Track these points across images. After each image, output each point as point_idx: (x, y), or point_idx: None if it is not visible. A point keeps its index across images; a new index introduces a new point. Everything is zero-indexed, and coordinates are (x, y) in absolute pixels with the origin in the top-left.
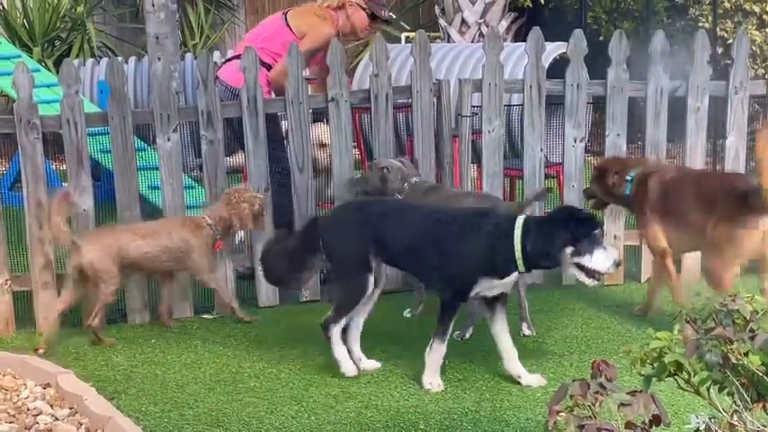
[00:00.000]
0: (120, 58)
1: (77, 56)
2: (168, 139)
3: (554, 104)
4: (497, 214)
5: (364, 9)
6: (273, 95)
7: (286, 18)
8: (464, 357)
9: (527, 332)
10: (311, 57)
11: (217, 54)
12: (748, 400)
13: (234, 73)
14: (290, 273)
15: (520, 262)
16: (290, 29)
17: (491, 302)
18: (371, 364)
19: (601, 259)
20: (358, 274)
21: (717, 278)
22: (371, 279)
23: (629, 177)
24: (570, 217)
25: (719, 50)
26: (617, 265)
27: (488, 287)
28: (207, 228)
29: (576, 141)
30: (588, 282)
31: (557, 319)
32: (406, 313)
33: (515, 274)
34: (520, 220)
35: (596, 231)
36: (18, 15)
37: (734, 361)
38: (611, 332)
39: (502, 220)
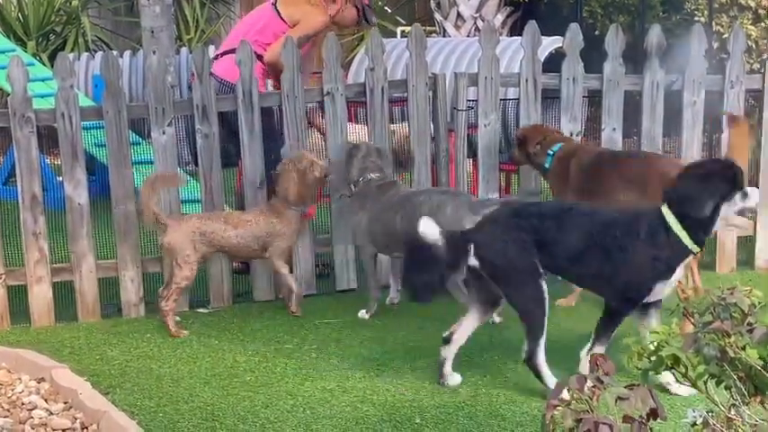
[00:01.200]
0: (114, 52)
1: (72, 50)
2: (163, 133)
3: (550, 98)
4: (644, 212)
5: (357, 9)
6: (270, 86)
7: (276, 7)
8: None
9: (497, 319)
10: (303, 44)
11: (212, 48)
12: (746, 393)
13: (229, 67)
14: (426, 286)
15: (690, 244)
16: (281, 18)
17: (646, 305)
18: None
19: (753, 196)
20: (534, 284)
21: None
22: (545, 284)
23: (550, 152)
24: (717, 172)
25: (715, 45)
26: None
27: (660, 291)
28: (289, 210)
29: (572, 135)
30: (743, 224)
31: (553, 314)
32: (362, 314)
33: (686, 260)
34: (664, 209)
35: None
36: (13, 9)
37: (731, 355)
38: None
39: (651, 216)
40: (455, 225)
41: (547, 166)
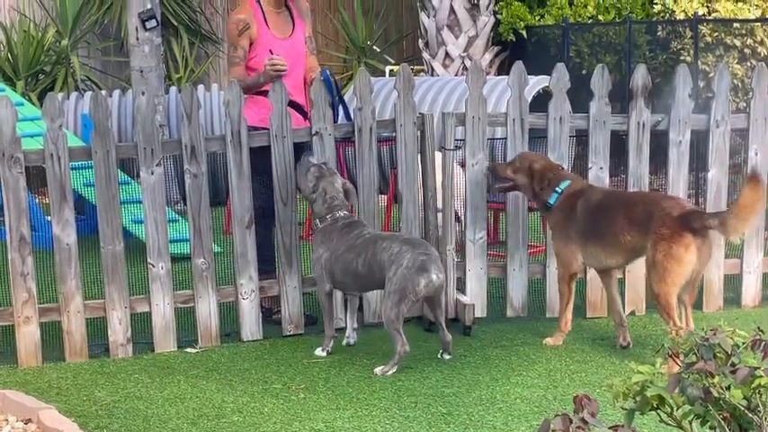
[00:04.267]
0: (104, 92)
1: (61, 89)
2: (152, 173)
3: (537, 138)
4: None
5: None
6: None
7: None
8: (448, 390)
9: (446, 356)
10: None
11: (201, 88)
12: None
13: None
14: None
15: None
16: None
17: None
18: None
19: None
20: None
21: (663, 300)
22: None
23: (558, 189)
24: None
25: (701, 84)
26: None
27: None
28: None
29: None
30: None
31: (541, 352)
32: (318, 352)
33: None
34: None
35: None
36: (2, 49)
37: (716, 395)
38: (596, 365)
39: None
40: (412, 278)
41: (552, 202)
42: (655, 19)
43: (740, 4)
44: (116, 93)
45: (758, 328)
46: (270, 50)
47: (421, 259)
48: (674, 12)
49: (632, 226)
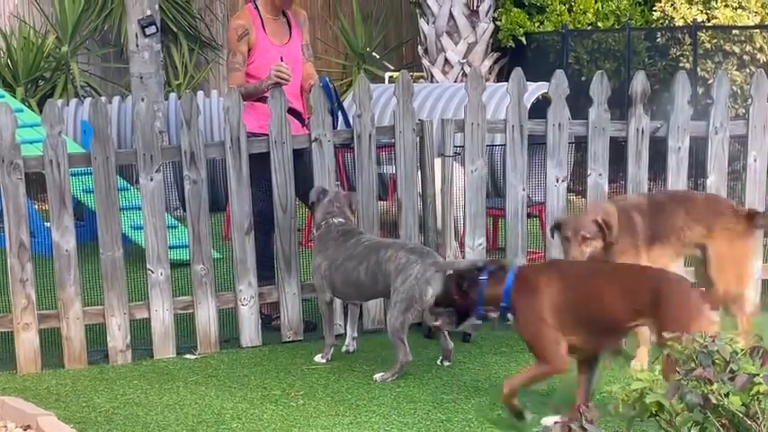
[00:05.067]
0: (103, 98)
1: (61, 96)
2: (151, 179)
3: (536, 144)
4: None
5: None
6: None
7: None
8: (447, 396)
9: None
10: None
11: (200, 94)
12: None
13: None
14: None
15: None
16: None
17: None
18: None
19: None
20: None
21: (738, 293)
22: None
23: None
24: None
25: (700, 90)
26: None
27: None
28: None
29: (558, 181)
30: None
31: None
32: (318, 359)
33: None
34: None
35: None
36: (2, 55)
37: (714, 402)
38: None
39: None
40: (420, 289)
41: None
42: (654, 26)
43: (739, 11)
44: (116, 99)
45: (757, 334)
46: (281, 57)
47: (430, 270)
48: (674, 18)
49: (692, 220)
